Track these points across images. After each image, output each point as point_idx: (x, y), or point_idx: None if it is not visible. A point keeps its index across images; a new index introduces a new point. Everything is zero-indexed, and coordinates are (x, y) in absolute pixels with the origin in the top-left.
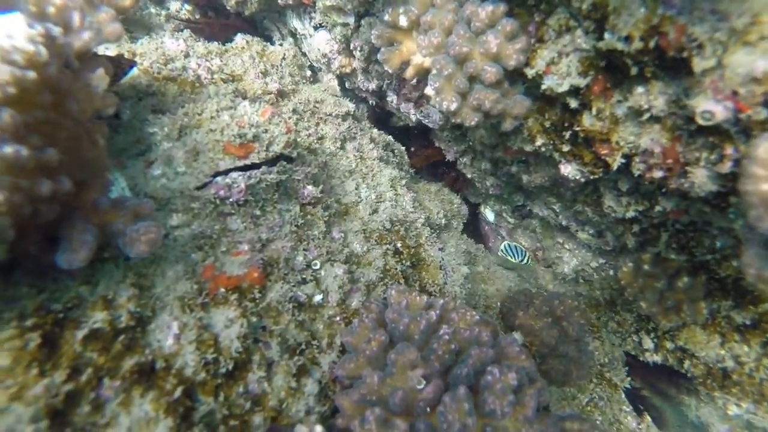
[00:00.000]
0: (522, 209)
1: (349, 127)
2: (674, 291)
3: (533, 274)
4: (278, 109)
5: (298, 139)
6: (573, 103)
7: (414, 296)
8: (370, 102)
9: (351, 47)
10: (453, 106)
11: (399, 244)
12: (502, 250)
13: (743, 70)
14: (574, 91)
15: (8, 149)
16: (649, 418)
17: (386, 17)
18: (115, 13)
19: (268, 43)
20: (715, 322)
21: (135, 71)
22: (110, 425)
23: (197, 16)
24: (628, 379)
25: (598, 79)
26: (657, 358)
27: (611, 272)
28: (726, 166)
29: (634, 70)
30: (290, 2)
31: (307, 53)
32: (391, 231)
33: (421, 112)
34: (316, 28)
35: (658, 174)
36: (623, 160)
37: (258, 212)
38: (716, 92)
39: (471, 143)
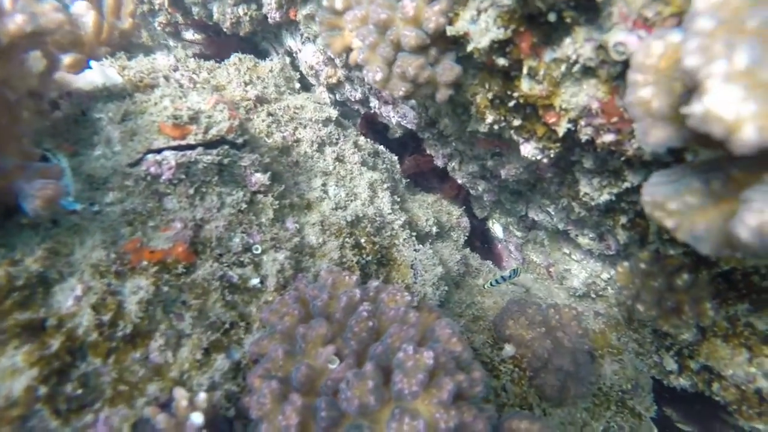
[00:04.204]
0: (526, 219)
1: (330, 132)
2: (674, 291)
3: (547, 291)
4: (223, 97)
5: (272, 140)
6: (501, 61)
7: (343, 276)
8: (363, 112)
9: (332, 55)
10: (378, 76)
11: (362, 240)
12: (490, 284)
13: None
14: (500, 49)
15: None
16: None
17: (324, 2)
18: (59, 5)
19: (261, 60)
20: (736, 331)
21: (117, 80)
22: None
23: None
24: (654, 407)
25: (523, 33)
26: (684, 382)
27: None
28: None
29: (551, 17)
30: (278, 19)
31: (301, 69)
32: (354, 226)
33: (398, 112)
34: (304, 42)
35: (609, 137)
36: (569, 126)
37: (192, 192)
38: (625, 20)
39: (454, 144)
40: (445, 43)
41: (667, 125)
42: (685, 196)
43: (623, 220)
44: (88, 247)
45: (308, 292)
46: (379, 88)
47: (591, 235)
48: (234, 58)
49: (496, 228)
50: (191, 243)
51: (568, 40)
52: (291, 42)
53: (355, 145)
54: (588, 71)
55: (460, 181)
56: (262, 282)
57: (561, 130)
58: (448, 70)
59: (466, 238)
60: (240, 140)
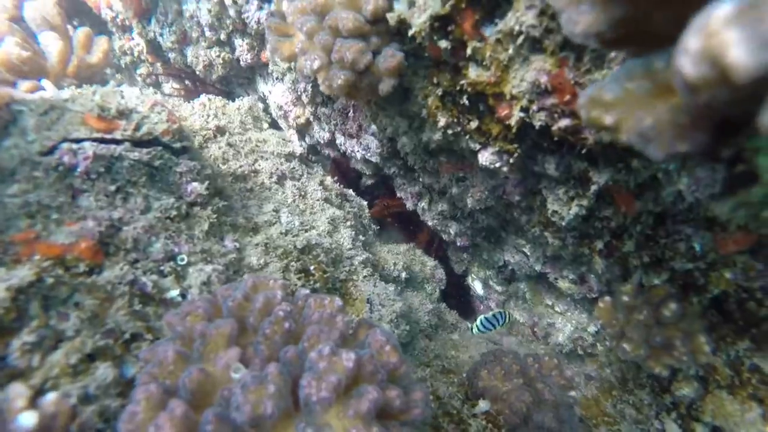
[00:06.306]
0: (505, 270)
1: (293, 167)
2: (663, 325)
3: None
4: (162, 100)
5: (227, 166)
6: (443, 44)
7: (268, 280)
8: (332, 156)
9: (298, 92)
10: (316, 64)
11: (312, 267)
12: (477, 327)
13: None
14: (441, 29)
15: None
16: None
17: (272, 7)
18: None
19: (231, 102)
20: (742, 380)
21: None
22: None
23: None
24: None
25: (465, 11)
26: None
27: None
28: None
29: None
30: (250, 61)
31: (271, 112)
32: (305, 253)
33: (361, 144)
34: (274, 83)
35: (564, 122)
36: (522, 114)
37: (113, 189)
38: None
39: (421, 179)
40: (388, 34)
41: (594, 7)
42: (624, 83)
43: (599, 245)
44: None
45: (220, 292)
46: (320, 83)
47: (571, 277)
48: (203, 97)
49: (475, 285)
50: (102, 243)
51: (510, 13)
52: (263, 86)
53: (321, 184)
54: (535, 47)
55: (430, 224)
56: (183, 296)
57: (514, 120)
58: (389, 56)
59: (441, 290)
60: (178, 145)
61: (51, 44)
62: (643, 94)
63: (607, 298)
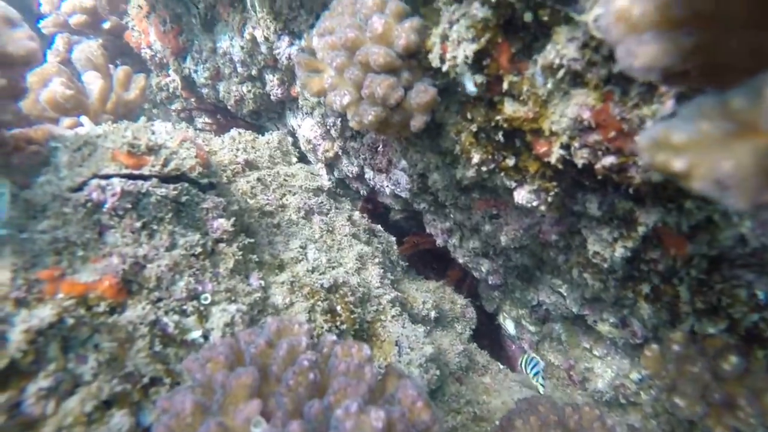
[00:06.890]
0: (539, 310)
1: (321, 202)
2: (722, 380)
3: (569, 401)
4: (193, 135)
5: (255, 200)
6: (479, 79)
7: (293, 324)
8: (362, 192)
9: (327, 126)
10: (346, 99)
11: (339, 307)
12: (542, 386)
13: None
14: (476, 63)
15: None
16: None
17: (303, 42)
18: (31, 33)
19: (261, 136)
20: None
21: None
22: None
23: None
24: None
25: (501, 45)
26: None
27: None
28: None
29: (528, 17)
30: (280, 96)
31: (300, 146)
32: (332, 292)
33: (391, 179)
34: (303, 117)
35: (609, 160)
36: (563, 152)
37: (139, 225)
38: None
39: (452, 216)
40: (420, 68)
41: (658, 37)
42: (697, 122)
43: (646, 289)
44: None
45: (243, 338)
46: (350, 119)
47: (612, 320)
48: (233, 132)
49: (507, 324)
50: (125, 281)
51: (549, 46)
52: (292, 120)
53: (349, 219)
54: (576, 81)
55: (461, 261)
56: (205, 337)
57: (554, 157)
58: (422, 92)
59: (472, 331)
60: (205, 181)
61: (93, 83)
62: (720, 135)
63: (655, 346)
